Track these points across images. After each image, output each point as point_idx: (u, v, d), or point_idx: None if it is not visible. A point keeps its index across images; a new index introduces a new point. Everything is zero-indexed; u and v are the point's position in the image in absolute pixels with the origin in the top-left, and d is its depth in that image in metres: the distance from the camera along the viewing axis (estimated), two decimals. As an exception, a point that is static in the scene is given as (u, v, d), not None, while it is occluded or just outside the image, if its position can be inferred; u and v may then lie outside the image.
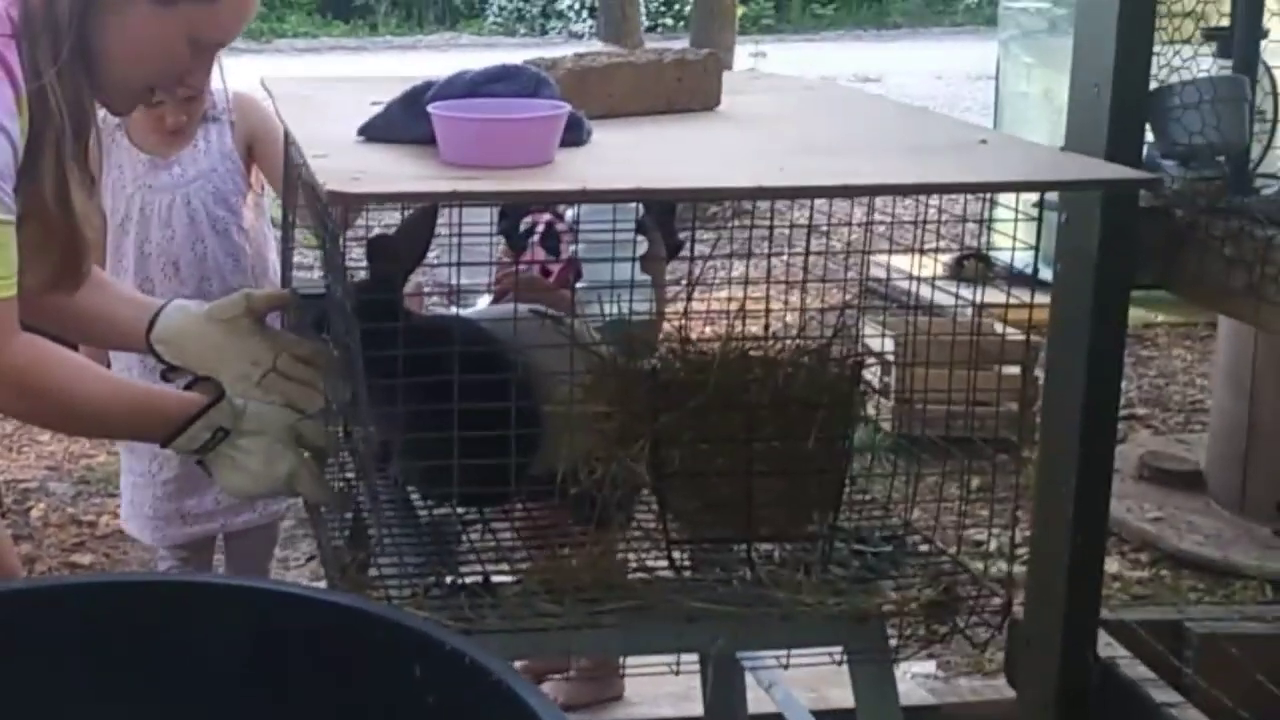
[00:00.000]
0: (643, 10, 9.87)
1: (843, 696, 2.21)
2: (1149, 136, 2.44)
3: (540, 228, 2.85)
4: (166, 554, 3.24)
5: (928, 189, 1.88)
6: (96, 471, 4.87)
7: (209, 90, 3.01)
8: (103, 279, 2.12)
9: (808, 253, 2.17)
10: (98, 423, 2.00)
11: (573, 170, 1.78)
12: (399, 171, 1.76)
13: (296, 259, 2.46)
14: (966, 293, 2.29)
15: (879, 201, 2.08)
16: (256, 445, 1.91)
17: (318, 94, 2.25)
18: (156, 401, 1.95)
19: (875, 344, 4.05)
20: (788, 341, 2.07)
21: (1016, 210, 2.15)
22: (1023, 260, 2.54)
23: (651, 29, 16.20)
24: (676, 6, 18.99)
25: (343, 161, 1.76)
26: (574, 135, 1.89)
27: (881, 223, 2.11)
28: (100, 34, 1.84)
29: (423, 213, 2.01)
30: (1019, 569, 2.22)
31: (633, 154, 1.94)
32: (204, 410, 1.89)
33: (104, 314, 2.07)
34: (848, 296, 2.31)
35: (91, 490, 4.76)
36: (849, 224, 2.22)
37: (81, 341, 2.32)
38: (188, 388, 1.99)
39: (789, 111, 2.28)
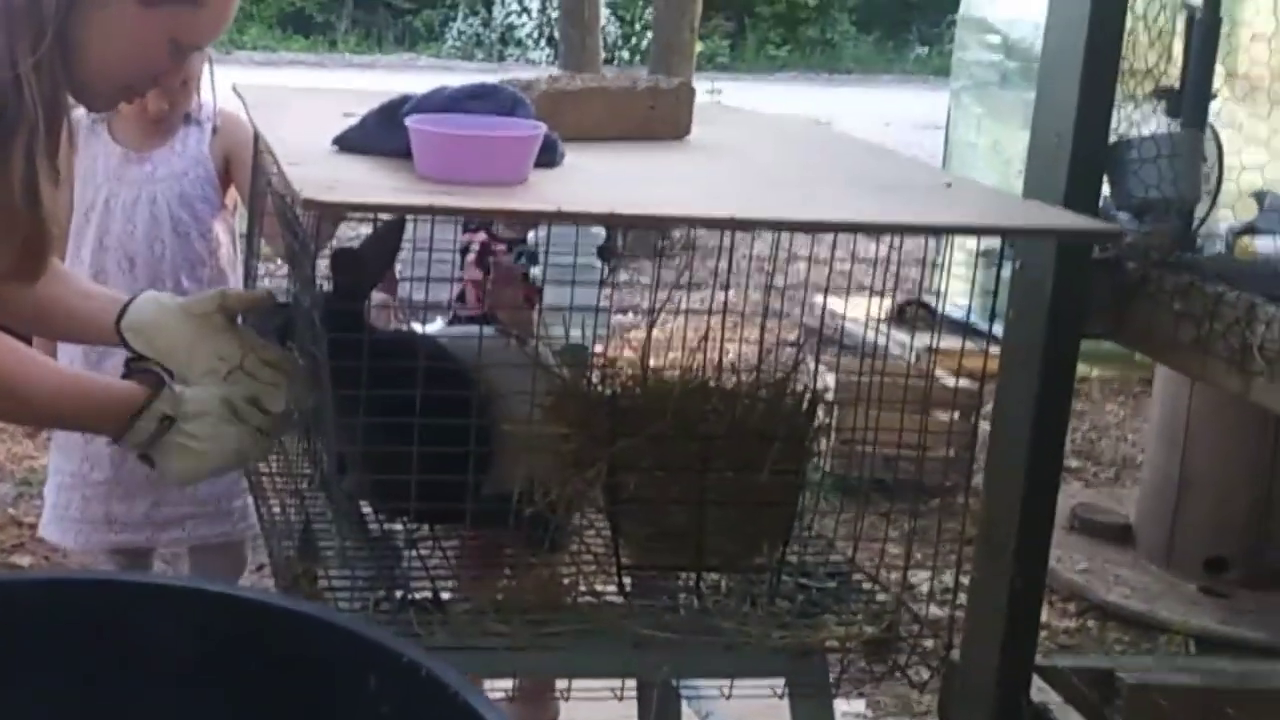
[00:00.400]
0: (601, 42, 9.91)
1: (775, 730, 2.22)
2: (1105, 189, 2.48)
3: (475, 247, 2.85)
4: (106, 559, 3.19)
5: (895, 229, 1.90)
6: (38, 474, 4.78)
7: (196, 92, 3.01)
8: (62, 270, 2.10)
9: (768, 287, 2.18)
10: (47, 412, 1.98)
11: (546, 191, 1.79)
12: (374, 182, 1.75)
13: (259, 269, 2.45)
14: (913, 338, 2.33)
15: (841, 238, 2.10)
16: (201, 427, 1.89)
17: (291, 102, 2.25)
18: (103, 393, 1.93)
19: (820, 383, 4.08)
20: (746, 375, 2.08)
21: (977, 254, 2.19)
22: (965, 307, 2.57)
23: (609, 61, 16.26)
24: (634, 40, 19.11)
25: (317, 170, 1.75)
26: (548, 157, 1.89)
27: (840, 260, 2.13)
28: (83, 30, 1.83)
29: (389, 226, 2.00)
30: (957, 613, 2.25)
31: (605, 178, 1.95)
32: (149, 401, 1.88)
33: (63, 305, 2.05)
34: (798, 332, 2.34)
35: (33, 492, 4.68)
36: (810, 259, 2.24)
37: (35, 333, 2.29)
38: (125, 376, 1.98)
39: (758, 144, 2.30)
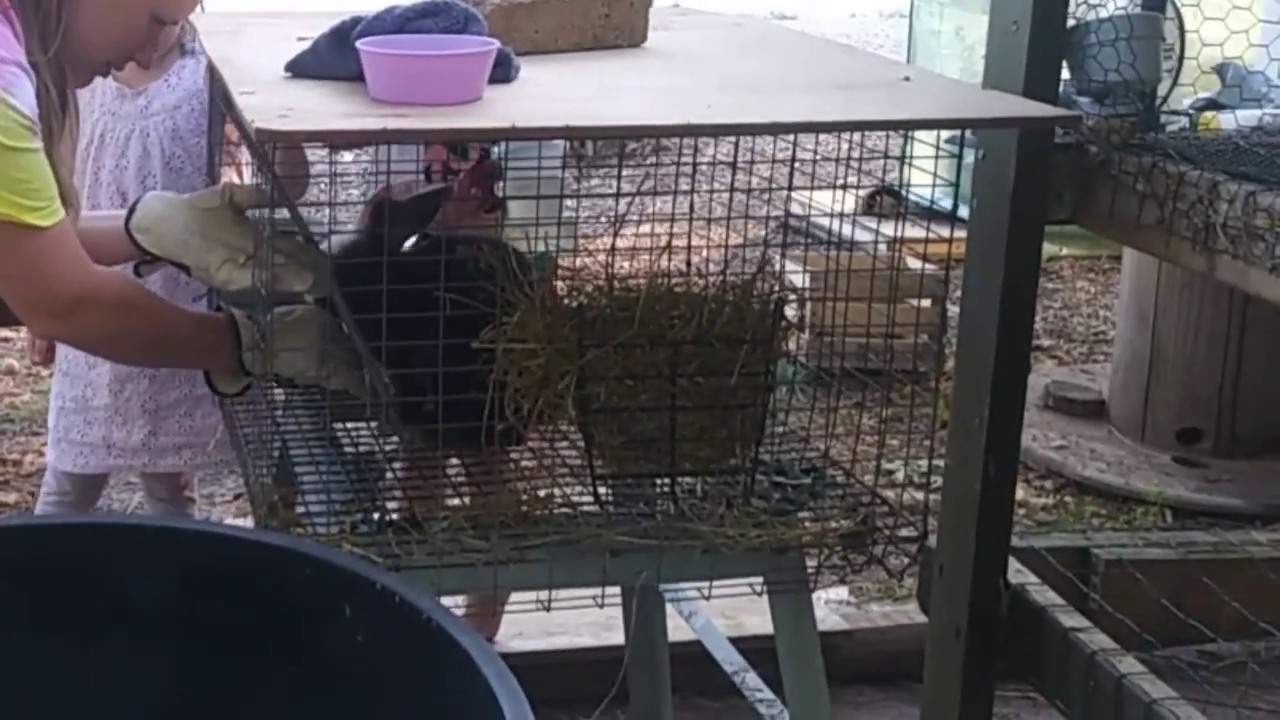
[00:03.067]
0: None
1: (759, 624, 2.26)
2: (1065, 74, 2.47)
3: (436, 167, 2.82)
4: (52, 488, 3.19)
5: (854, 126, 1.90)
6: (20, 410, 4.80)
7: (186, 21, 2.98)
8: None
9: (732, 189, 2.18)
10: (176, 343, 2.03)
11: (501, 108, 1.78)
12: (327, 109, 1.74)
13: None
14: (883, 228, 2.33)
15: (803, 137, 2.10)
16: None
17: (244, 29, 2.22)
18: (210, 318, 2.04)
19: (794, 279, 4.09)
20: (712, 279, 2.09)
21: (937, 147, 2.19)
22: (938, 195, 2.58)
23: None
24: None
25: (270, 98, 1.74)
26: (502, 72, 1.88)
27: (805, 159, 2.13)
28: (75, 12, 1.88)
29: (435, 193, 2.02)
30: (933, 498, 2.27)
31: (561, 91, 1.94)
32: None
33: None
34: (768, 232, 2.34)
35: (15, 429, 4.69)
36: (771, 160, 2.24)
37: None
38: (136, 271, 2.03)
39: (715, 48, 2.29)
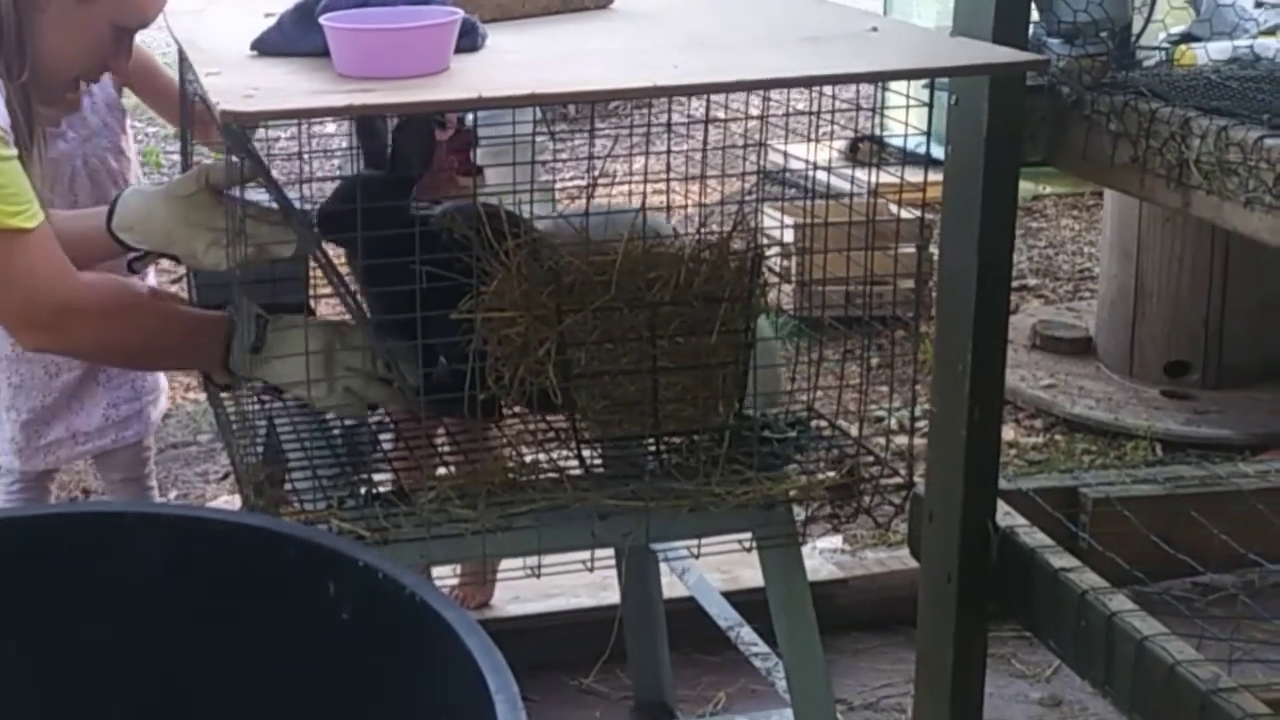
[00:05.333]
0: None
1: (754, 577, 2.28)
2: (1034, 15, 2.47)
3: None
4: (16, 476, 3.18)
5: (820, 80, 1.90)
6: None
7: None
8: None
9: (705, 148, 2.18)
10: (167, 348, 2.05)
11: (468, 78, 1.78)
12: (293, 87, 1.74)
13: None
14: (861, 176, 2.33)
15: (774, 92, 2.10)
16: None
17: (209, 8, 2.21)
18: (206, 318, 2.02)
19: (776, 231, 4.09)
20: (688, 237, 2.09)
21: (908, 96, 2.18)
22: (915, 142, 2.58)
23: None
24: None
25: (235, 78, 1.74)
26: (469, 41, 1.88)
27: (777, 115, 2.14)
28: (32, 36, 1.91)
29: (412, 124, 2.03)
30: (919, 443, 2.28)
31: (528, 57, 1.94)
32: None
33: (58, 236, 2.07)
34: (747, 187, 2.35)
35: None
36: (744, 117, 2.24)
37: None
38: (131, 273, 2.05)
39: (682, 6, 2.28)
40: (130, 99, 3.06)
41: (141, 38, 2.37)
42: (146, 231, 2.01)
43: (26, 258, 1.84)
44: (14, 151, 1.83)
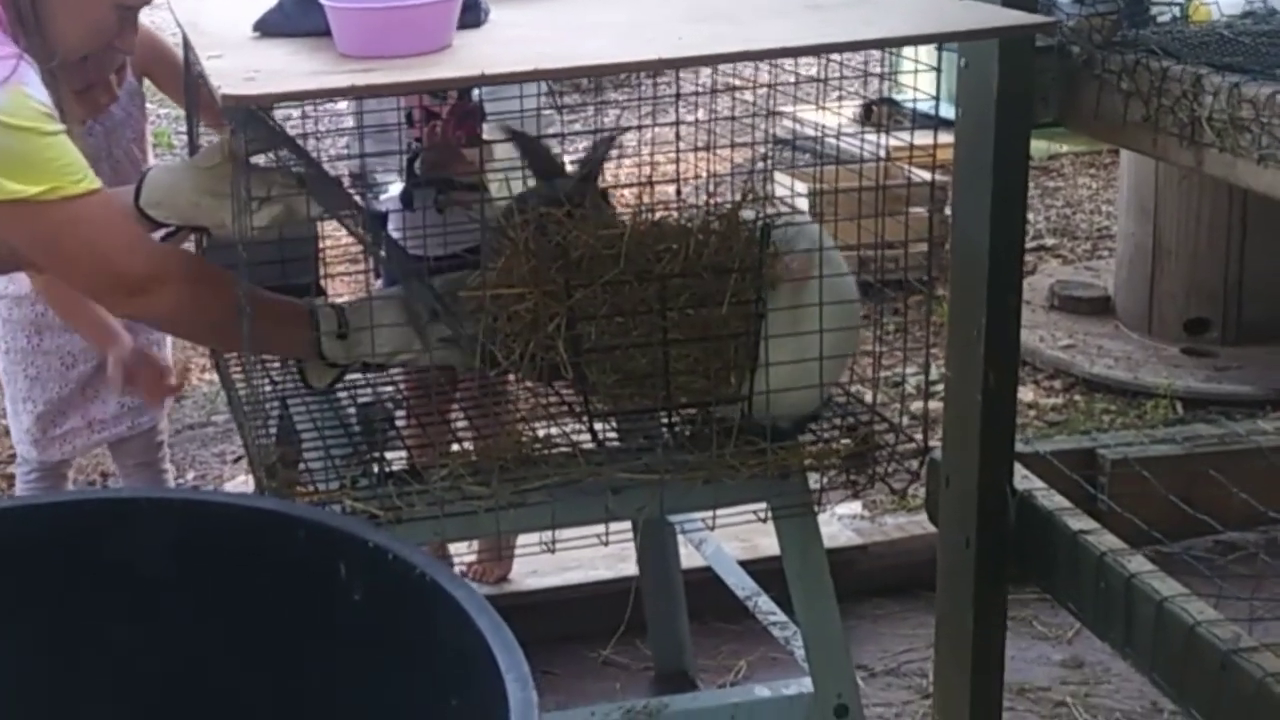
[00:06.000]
0: None
1: (772, 545, 2.27)
2: (1044, -24, 2.45)
3: (417, 113, 2.81)
4: (33, 465, 3.19)
5: (827, 49, 1.89)
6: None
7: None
8: None
9: (712, 117, 2.17)
10: (251, 321, 1.98)
11: (471, 55, 1.77)
12: (295, 68, 1.73)
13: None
14: (873, 139, 2.32)
15: (783, 59, 2.08)
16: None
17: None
18: (287, 301, 2.02)
19: (800, 201, 4.07)
20: (697, 208, 2.08)
21: (916, 61, 2.17)
22: (926, 106, 2.56)
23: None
24: None
25: (237, 60, 1.73)
26: (471, 17, 1.87)
27: (785, 84, 2.12)
28: (44, 16, 1.90)
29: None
30: (935, 407, 2.28)
31: (531, 32, 1.93)
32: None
33: None
34: (754, 157, 2.33)
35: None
36: (753, 85, 2.22)
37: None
38: (166, 238, 2.04)
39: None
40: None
41: (150, 19, 2.38)
42: (174, 205, 2.02)
43: (102, 222, 1.86)
44: (61, 126, 1.84)
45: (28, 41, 1.90)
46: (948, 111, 2.37)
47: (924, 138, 2.24)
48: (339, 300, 2.14)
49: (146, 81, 3.06)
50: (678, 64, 1.76)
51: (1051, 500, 2.48)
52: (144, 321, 2.45)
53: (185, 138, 2.61)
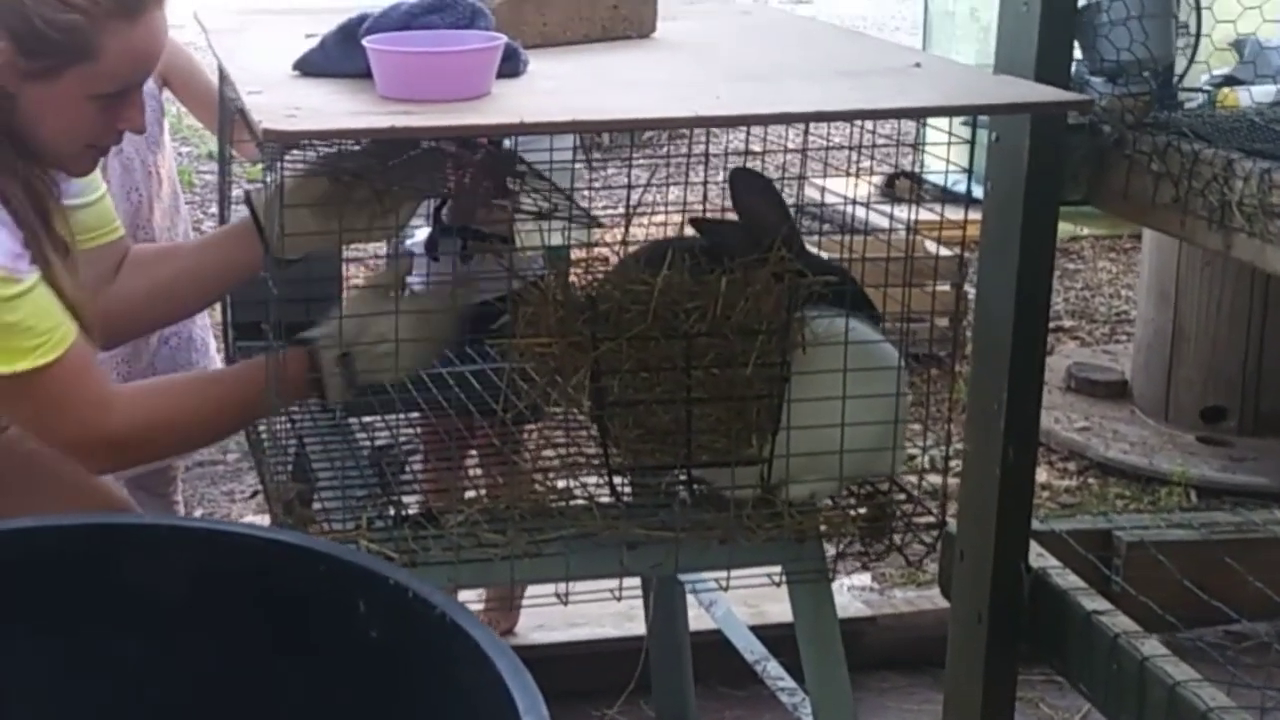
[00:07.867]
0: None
1: (781, 611, 2.26)
2: (1077, 54, 2.46)
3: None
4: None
5: (863, 115, 1.89)
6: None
7: None
8: (142, 254, 2.15)
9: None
10: (221, 406, 1.98)
11: (510, 103, 1.78)
12: (335, 107, 1.75)
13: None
14: (899, 212, 2.32)
15: (814, 126, 2.09)
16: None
17: (251, 27, 2.23)
18: (247, 367, 1.97)
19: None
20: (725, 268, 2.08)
21: (950, 132, 2.18)
22: (954, 179, 2.57)
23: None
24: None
25: (278, 97, 1.74)
26: (510, 66, 1.88)
27: (816, 148, 2.13)
28: (22, 123, 1.86)
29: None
30: (952, 482, 2.27)
31: (569, 84, 1.94)
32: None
33: (181, 270, 2.11)
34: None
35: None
36: (783, 149, 2.23)
37: (161, 317, 2.32)
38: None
39: (724, 37, 2.28)
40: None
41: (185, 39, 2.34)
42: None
43: (57, 391, 1.83)
44: (27, 283, 1.79)
45: (18, 148, 1.85)
46: (975, 190, 2.38)
47: (948, 213, 2.25)
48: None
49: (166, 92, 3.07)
50: (717, 123, 1.77)
51: (1066, 579, 2.47)
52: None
53: (207, 176, 2.63)
